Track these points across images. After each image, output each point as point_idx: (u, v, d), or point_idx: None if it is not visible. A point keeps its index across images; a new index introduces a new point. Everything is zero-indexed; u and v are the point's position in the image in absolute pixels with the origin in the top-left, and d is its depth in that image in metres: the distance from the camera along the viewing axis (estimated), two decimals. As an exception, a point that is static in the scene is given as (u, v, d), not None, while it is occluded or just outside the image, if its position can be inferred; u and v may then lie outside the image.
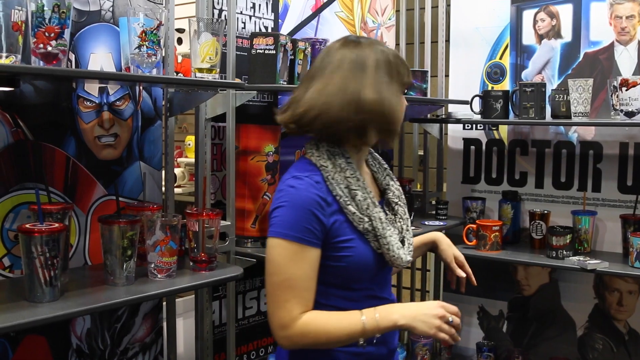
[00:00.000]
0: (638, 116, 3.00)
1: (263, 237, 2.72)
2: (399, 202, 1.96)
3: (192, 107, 2.56)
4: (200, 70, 2.30)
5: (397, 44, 3.78)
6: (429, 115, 3.66)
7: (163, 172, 2.62)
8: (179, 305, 2.88)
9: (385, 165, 2.02)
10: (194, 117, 2.63)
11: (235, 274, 2.37)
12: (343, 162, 1.81)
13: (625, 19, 3.28)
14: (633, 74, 3.21)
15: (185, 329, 3.11)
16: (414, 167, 3.92)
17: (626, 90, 2.99)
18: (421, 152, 3.89)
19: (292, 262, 1.72)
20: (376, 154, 2.02)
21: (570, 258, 3.13)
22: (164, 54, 2.31)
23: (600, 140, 3.39)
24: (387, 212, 1.94)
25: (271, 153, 2.71)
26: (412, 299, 3.96)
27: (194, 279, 2.27)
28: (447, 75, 3.79)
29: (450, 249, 2.18)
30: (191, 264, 2.36)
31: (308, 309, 1.74)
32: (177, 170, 4.02)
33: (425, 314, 1.75)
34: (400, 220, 1.93)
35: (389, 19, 3.68)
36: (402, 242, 1.90)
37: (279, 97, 3.03)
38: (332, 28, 3.31)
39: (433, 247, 2.22)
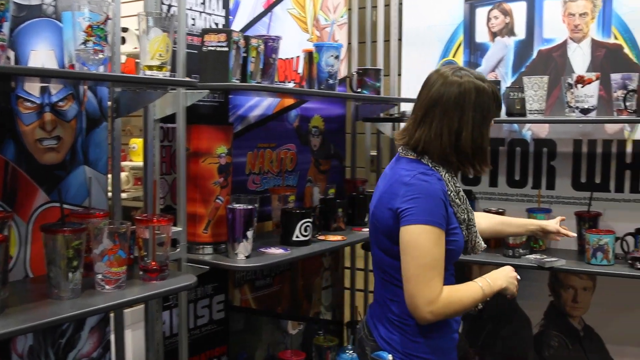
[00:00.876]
0: (593, 113, 2.94)
1: (216, 243, 2.58)
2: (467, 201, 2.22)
3: (141, 108, 2.39)
4: (150, 67, 2.13)
5: (349, 43, 3.65)
6: (381, 115, 3.54)
7: (110, 176, 2.44)
8: (127, 317, 2.70)
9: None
10: (142, 118, 2.46)
11: (188, 283, 2.21)
12: (451, 168, 2.14)
13: (578, 16, 3.21)
14: (586, 72, 3.14)
15: (134, 341, 2.93)
16: (367, 167, 3.80)
17: (582, 87, 2.92)
18: (374, 152, 3.77)
19: (436, 245, 2.00)
20: None
21: (527, 256, 3.05)
22: (111, 51, 2.13)
23: (554, 137, 3.32)
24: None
25: (223, 155, 2.55)
26: (366, 301, 3.85)
27: (144, 290, 2.10)
28: (399, 75, 3.67)
29: (549, 224, 2.62)
30: (141, 273, 2.19)
31: (443, 285, 2.01)
32: (121, 175, 3.82)
33: (510, 276, 2.19)
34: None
35: (342, 17, 3.55)
36: None
37: (230, 96, 2.88)
38: (284, 25, 3.17)
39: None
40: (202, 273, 2.51)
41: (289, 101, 3.22)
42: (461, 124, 2.06)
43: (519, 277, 2.22)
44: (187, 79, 2.38)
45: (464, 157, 2.10)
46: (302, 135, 3.33)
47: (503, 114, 3.17)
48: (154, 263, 2.18)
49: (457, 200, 2.10)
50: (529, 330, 3.44)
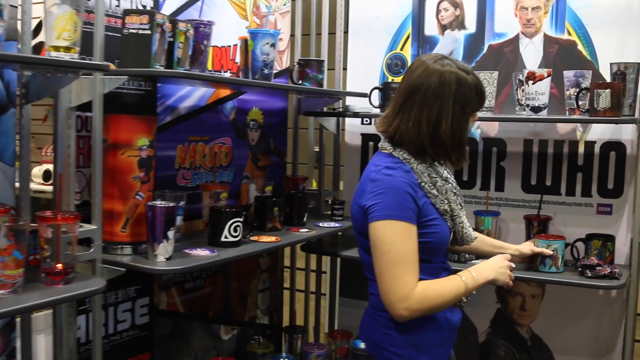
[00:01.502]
0: (544, 112, 2.80)
1: (135, 243, 2.37)
2: (458, 193, 2.20)
3: (51, 93, 2.17)
4: (56, 48, 1.92)
5: (292, 35, 3.45)
6: (325, 109, 3.36)
7: (17, 168, 2.22)
8: (38, 321, 2.49)
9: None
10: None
11: (96, 288, 2.00)
12: (426, 159, 2.10)
13: (531, 10, 3.07)
14: (538, 68, 2.99)
15: (47, 347, 2.70)
16: (309, 164, 3.61)
17: (533, 83, 2.77)
18: (317, 148, 3.58)
19: (402, 239, 1.97)
20: None
21: (473, 262, 2.88)
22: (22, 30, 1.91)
23: (504, 137, 3.17)
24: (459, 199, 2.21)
25: (145, 147, 2.34)
26: (307, 303, 3.66)
27: (45, 295, 1.89)
28: (345, 69, 3.49)
29: (523, 247, 2.73)
30: (43, 275, 1.98)
31: (417, 280, 1.98)
32: (51, 167, 3.59)
33: (501, 266, 2.16)
34: (460, 206, 2.19)
35: (284, 5, 3.35)
36: None
37: (158, 84, 2.66)
38: (221, 11, 2.96)
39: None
40: (120, 275, 2.31)
41: (225, 92, 3.01)
42: (440, 114, 2.03)
43: (513, 265, 2.21)
44: (99, 62, 2.16)
45: (442, 149, 2.07)
46: (239, 128, 3.13)
47: (451, 111, 3.01)
48: (59, 265, 1.97)
49: (434, 191, 2.07)
50: (475, 338, 3.29)
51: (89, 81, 2.22)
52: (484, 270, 2.13)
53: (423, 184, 2.05)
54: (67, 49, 1.91)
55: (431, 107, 2.03)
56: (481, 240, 2.55)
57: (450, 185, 2.14)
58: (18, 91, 2.17)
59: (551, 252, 2.71)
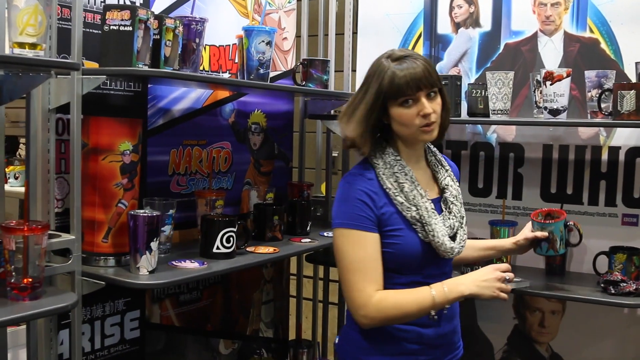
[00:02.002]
0: (563, 115, 2.59)
1: (118, 254, 2.21)
2: (455, 202, 2.09)
3: (23, 94, 2.02)
4: (21, 45, 1.76)
5: (298, 36, 3.28)
6: (332, 112, 3.17)
7: (-10, 173, 2.07)
8: (19, 335, 2.34)
9: (447, 167, 2.15)
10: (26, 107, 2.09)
11: (65, 304, 1.84)
12: (392, 160, 2.00)
13: (550, 6, 2.86)
14: (558, 67, 2.78)
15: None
16: (317, 169, 3.43)
17: (551, 84, 2.56)
18: (335, 153, 3.40)
19: (354, 247, 1.93)
20: (440, 156, 2.17)
21: (487, 275, 2.68)
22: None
23: (522, 141, 2.96)
24: (443, 209, 2.07)
25: (128, 152, 2.18)
26: (315, 312, 3.48)
27: (7, 312, 1.73)
28: (354, 70, 3.31)
29: (519, 237, 2.44)
30: (8, 290, 1.82)
31: (380, 287, 1.93)
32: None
33: (485, 279, 1.96)
34: (454, 217, 2.06)
35: (289, 2, 3.17)
36: (454, 237, 2.03)
37: (149, 85, 2.50)
38: (217, 8, 2.79)
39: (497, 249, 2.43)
40: (104, 287, 2.15)
41: (223, 94, 2.84)
42: (361, 101, 1.99)
43: (508, 275, 1.99)
44: (68, 60, 2.00)
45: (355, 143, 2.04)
46: (240, 132, 2.95)
47: (464, 114, 2.82)
48: (26, 280, 1.81)
49: (399, 198, 1.97)
50: (491, 356, 3.08)
51: (67, 81, 2.08)
52: (461, 284, 1.96)
53: (388, 190, 1.97)
54: (33, 46, 1.76)
55: (357, 94, 2.01)
56: (469, 246, 2.32)
57: (417, 190, 1.98)
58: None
59: (546, 235, 2.39)
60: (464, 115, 2.83)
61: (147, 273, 2.14)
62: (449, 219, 2.04)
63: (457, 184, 2.16)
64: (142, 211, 2.16)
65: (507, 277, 1.97)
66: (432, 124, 1.96)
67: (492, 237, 2.83)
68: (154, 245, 2.13)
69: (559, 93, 2.56)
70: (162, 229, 2.32)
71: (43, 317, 1.81)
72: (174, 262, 2.29)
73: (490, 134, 3.02)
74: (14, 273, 1.81)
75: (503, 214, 2.91)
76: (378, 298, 1.91)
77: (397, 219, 1.97)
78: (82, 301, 2.17)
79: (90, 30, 2.27)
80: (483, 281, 1.95)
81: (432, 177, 2.12)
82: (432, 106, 1.94)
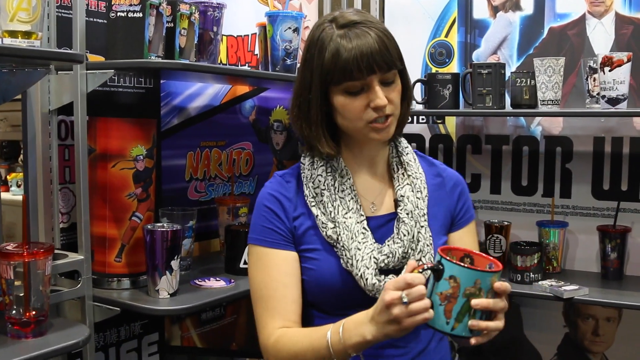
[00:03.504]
0: (623, 104, 2.26)
1: (134, 275, 1.89)
2: (408, 221, 1.47)
3: (19, 94, 1.70)
4: (12, 34, 1.44)
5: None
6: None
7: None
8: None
9: (414, 173, 1.54)
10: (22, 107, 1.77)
11: (74, 341, 1.52)
12: (318, 159, 1.49)
13: (599, -16, 2.54)
14: (611, 52, 2.46)
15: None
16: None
17: (610, 71, 2.23)
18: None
19: (257, 269, 1.47)
20: (410, 156, 1.56)
21: (541, 283, 2.36)
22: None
23: (570, 134, 2.63)
24: (395, 230, 1.48)
25: (141, 157, 1.86)
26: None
27: (5, 357, 1.42)
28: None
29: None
30: (9, 326, 1.50)
31: (287, 322, 1.43)
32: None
33: (379, 314, 1.27)
34: (399, 242, 1.45)
35: (310, -12, 2.85)
36: (389, 271, 1.44)
37: (161, 81, 2.18)
38: (236, -5, 2.47)
39: None
40: (114, 315, 1.84)
41: (243, 89, 2.52)
42: (296, 86, 1.49)
43: (404, 295, 1.22)
44: (70, 51, 1.68)
45: (298, 133, 1.52)
46: (261, 131, 2.62)
47: (508, 106, 2.50)
48: (28, 314, 1.49)
49: (315, 209, 1.45)
50: (539, 367, 2.77)
51: (69, 78, 1.76)
52: (364, 324, 1.30)
53: (305, 197, 1.47)
54: (27, 35, 1.43)
55: (298, 76, 1.49)
56: None
57: (341, 202, 1.45)
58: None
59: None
60: (507, 106, 2.50)
61: (168, 296, 1.82)
62: (389, 244, 1.45)
63: (425, 193, 1.52)
64: (159, 225, 1.85)
65: (404, 300, 1.22)
66: (387, 120, 1.41)
67: (541, 239, 2.52)
68: (174, 264, 1.81)
69: (619, 80, 2.23)
70: (182, 242, 2.00)
71: (50, 358, 1.49)
72: (197, 282, 1.97)
73: (535, 126, 2.69)
74: (14, 305, 1.49)
75: (552, 214, 2.59)
76: (276, 338, 1.41)
77: (313, 236, 1.46)
78: (95, 326, 1.86)
79: (95, 20, 1.96)
80: (379, 316, 1.27)
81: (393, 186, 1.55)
82: (388, 95, 1.40)
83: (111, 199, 1.85)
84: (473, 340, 1.25)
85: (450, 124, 2.84)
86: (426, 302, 1.22)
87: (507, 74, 2.52)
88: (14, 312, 1.49)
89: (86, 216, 1.77)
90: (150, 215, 1.92)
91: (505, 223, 2.60)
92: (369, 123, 1.40)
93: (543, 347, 2.76)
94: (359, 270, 1.40)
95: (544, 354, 2.75)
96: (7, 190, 4.00)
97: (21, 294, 1.49)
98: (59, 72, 1.81)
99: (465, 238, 1.58)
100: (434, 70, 2.81)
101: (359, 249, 1.41)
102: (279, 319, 1.42)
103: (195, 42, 1.97)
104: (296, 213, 1.47)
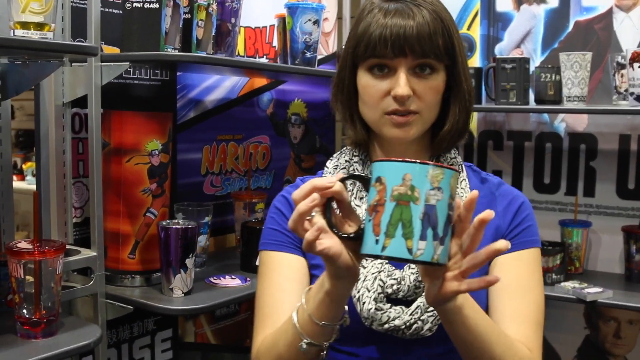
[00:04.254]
0: (652, 100, 2.18)
1: (147, 272, 1.84)
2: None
3: (33, 85, 1.65)
4: (24, 25, 1.38)
5: (340, 17, 2.87)
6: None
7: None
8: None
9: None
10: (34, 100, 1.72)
11: (86, 342, 1.47)
12: (344, 162, 1.32)
13: (628, -23, 2.45)
14: (639, 47, 2.37)
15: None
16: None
17: (639, 67, 2.15)
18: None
19: (261, 275, 1.31)
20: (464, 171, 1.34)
21: (563, 285, 2.29)
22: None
23: (595, 131, 2.55)
24: None
25: (156, 152, 1.80)
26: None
27: (14, 358, 1.36)
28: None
29: None
30: (18, 325, 1.46)
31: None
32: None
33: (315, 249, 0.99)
34: (413, 267, 1.22)
35: (330, -20, 2.77)
36: (398, 300, 1.20)
37: (177, 73, 2.12)
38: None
39: None
40: (127, 313, 1.79)
41: (260, 82, 2.45)
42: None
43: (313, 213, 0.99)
44: (84, 44, 1.62)
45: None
46: (279, 124, 2.56)
47: (532, 101, 2.42)
48: (38, 313, 1.44)
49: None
50: (558, 369, 2.70)
51: (83, 70, 1.71)
52: (319, 282, 1.08)
53: None
54: (39, 26, 1.37)
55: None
56: None
57: (363, 207, 1.22)
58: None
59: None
60: (530, 102, 2.43)
61: (182, 295, 1.77)
62: (403, 269, 1.22)
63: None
64: (174, 221, 1.79)
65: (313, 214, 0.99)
66: (407, 115, 1.20)
67: (563, 239, 2.44)
68: (189, 262, 1.75)
69: (649, 76, 2.15)
70: (198, 239, 1.95)
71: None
72: (212, 279, 1.92)
73: (558, 123, 2.61)
74: (24, 304, 1.44)
75: (575, 213, 2.51)
76: (258, 346, 1.23)
77: None
78: (107, 323, 1.81)
79: (110, 10, 1.90)
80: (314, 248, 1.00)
81: None
82: (417, 87, 1.19)
83: (125, 194, 1.79)
84: (448, 275, 0.97)
85: (472, 119, 2.76)
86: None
87: (531, 68, 2.45)
88: (24, 311, 1.44)
89: (99, 211, 1.71)
90: (165, 211, 1.86)
91: (527, 221, 2.52)
92: (385, 114, 1.20)
93: (563, 349, 2.68)
94: (358, 292, 1.20)
95: (563, 355, 2.68)
96: (23, 179, 3.98)
97: (31, 294, 1.44)
98: (73, 64, 1.75)
99: (510, 266, 1.24)
100: (455, 64, 2.74)
101: (365, 267, 1.21)
102: (270, 328, 1.22)
103: (213, 33, 1.91)
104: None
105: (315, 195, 0.97)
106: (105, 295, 1.76)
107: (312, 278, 1.28)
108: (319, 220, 0.97)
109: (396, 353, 1.23)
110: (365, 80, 1.21)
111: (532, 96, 2.44)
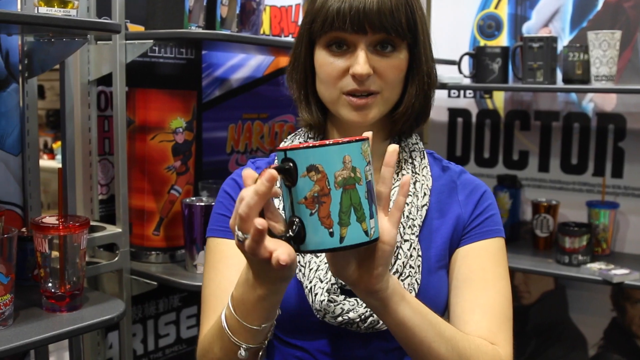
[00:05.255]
0: (683, 80, 2.13)
1: (171, 248, 1.85)
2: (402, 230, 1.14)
3: (57, 63, 1.66)
4: (48, 2, 1.38)
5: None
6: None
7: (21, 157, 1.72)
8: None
9: (422, 173, 1.21)
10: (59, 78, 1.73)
11: (109, 317, 1.48)
12: (297, 143, 1.21)
13: (660, -47, 2.39)
14: (670, 26, 2.33)
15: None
16: (387, 144, 3.02)
17: (669, 45, 2.11)
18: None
19: (207, 264, 1.20)
20: (418, 157, 1.23)
21: (589, 265, 2.26)
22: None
23: (624, 111, 2.51)
24: None
25: (181, 130, 1.80)
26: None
27: (39, 330, 1.38)
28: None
29: None
30: (43, 299, 1.47)
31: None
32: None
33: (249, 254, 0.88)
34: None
35: (356, -43, 2.75)
36: (344, 288, 1.10)
37: (203, 52, 2.12)
38: (279, -36, 2.39)
39: None
40: (152, 289, 1.81)
41: (286, 60, 2.43)
42: None
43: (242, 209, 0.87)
44: (108, 21, 1.62)
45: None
46: (304, 104, 2.55)
47: (559, 81, 2.38)
48: (63, 288, 1.46)
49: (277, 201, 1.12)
50: (584, 351, 2.66)
51: (108, 48, 1.71)
52: (246, 287, 0.96)
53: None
54: (63, 3, 1.38)
55: None
56: None
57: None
58: (20, 62, 1.67)
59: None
60: (558, 81, 2.39)
61: (205, 271, 1.77)
62: None
63: (424, 201, 1.18)
64: (198, 199, 1.80)
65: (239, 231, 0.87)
66: (366, 97, 1.11)
67: (590, 220, 2.41)
68: (212, 239, 1.76)
69: (679, 55, 2.11)
70: (221, 217, 1.96)
71: (84, 334, 1.46)
72: (235, 256, 1.92)
73: (587, 103, 2.57)
74: (49, 279, 1.45)
75: (603, 194, 2.48)
76: (201, 340, 1.14)
77: None
78: (132, 299, 1.83)
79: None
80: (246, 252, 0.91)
81: None
82: (378, 66, 1.11)
83: (150, 172, 1.80)
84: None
85: (498, 99, 2.73)
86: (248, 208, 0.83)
87: (559, 47, 2.41)
88: (49, 285, 1.46)
89: (124, 189, 1.73)
90: (190, 189, 1.87)
91: (554, 202, 2.49)
92: (343, 94, 1.11)
93: (589, 331, 2.66)
94: (310, 283, 1.11)
95: (589, 337, 2.65)
96: (53, 158, 4.01)
97: (56, 269, 1.45)
98: (98, 42, 1.76)
99: (473, 257, 1.18)
100: (482, 43, 2.70)
101: (318, 256, 1.12)
102: (209, 321, 1.13)
103: (237, 12, 1.90)
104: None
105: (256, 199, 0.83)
106: (130, 271, 1.78)
107: None
108: (260, 222, 0.83)
109: (350, 347, 1.15)
110: (322, 58, 1.12)
111: (559, 76, 2.40)
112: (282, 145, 1.23)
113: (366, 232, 0.87)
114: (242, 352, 0.99)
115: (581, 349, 2.67)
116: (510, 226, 2.59)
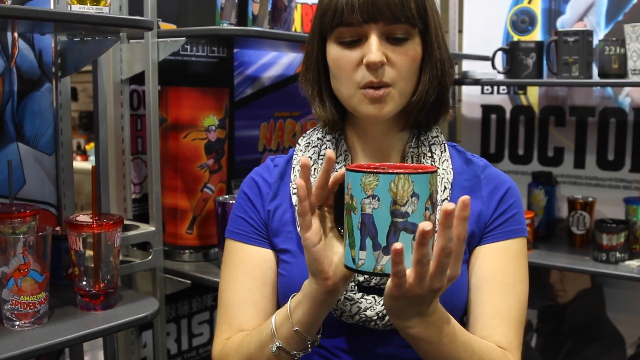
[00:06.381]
0: None
1: (205, 247, 1.84)
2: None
3: (90, 62, 1.65)
4: (82, 0, 1.37)
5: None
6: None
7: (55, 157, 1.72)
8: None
9: (442, 166, 1.18)
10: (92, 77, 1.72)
11: (144, 315, 1.47)
12: (315, 139, 1.21)
13: (698, -56, 2.33)
14: None
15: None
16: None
17: None
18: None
19: (225, 267, 1.21)
20: (439, 150, 1.19)
21: (627, 263, 2.21)
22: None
23: (662, 106, 2.45)
24: None
25: (213, 128, 1.79)
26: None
27: (74, 328, 1.37)
28: (460, 31, 2.82)
29: None
30: (78, 298, 1.46)
31: (233, 333, 1.17)
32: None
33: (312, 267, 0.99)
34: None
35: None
36: (370, 289, 1.11)
37: (234, 50, 2.10)
38: (310, -39, 2.37)
39: None
40: (186, 287, 1.80)
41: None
42: None
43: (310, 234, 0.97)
44: (139, 18, 1.61)
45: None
46: (336, 102, 2.53)
47: (595, 75, 2.33)
48: (97, 286, 1.45)
49: (294, 199, 1.17)
50: (622, 350, 2.60)
51: (140, 47, 1.70)
52: (304, 288, 1.03)
53: (291, 183, 1.19)
54: (95, 1, 1.37)
55: None
56: None
57: None
58: (53, 62, 1.67)
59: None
60: (594, 76, 2.33)
61: (239, 270, 1.75)
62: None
63: (444, 195, 1.16)
64: (231, 197, 1.78)
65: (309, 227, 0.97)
66: (381, 88, 1.08)
67: (628, 217, 2.36)
68: (245, 237, 1.74)
69: None
70: (254, 215, 1.94)
71: (118, 332, 1.45)
72: (268, 255, 1.90)
73: (623, 97, 2.51)
74: (84, 277, 1.45)
75: (640, 191, 2.42)
76: (222, 346, 1.17)
77: (290, 234, 1.17)
78: (166, 299, 1.82)
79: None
80: (310, 264, 1.00)
81: None
82: (391, 56, 1.08)
83: (183, 170, 1.79)
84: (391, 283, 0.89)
85: (533, 95, 2.68)
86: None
87: (595, 41, 2.36)
88: (83, 283, 1.45)
89: (157, 187, 1.71)
90: (222, 187, 1.86)
91: (590, 199, 2.44)
92: (360, 88, 1.09)
93: (627, 330, 2.59)
94: (349, 302, 1.10)
95: (627, 336, 2.59)
96: (86, 159, 4.04)
97: (91, 267, 1.44)
98: (130, 40, 1.75)
99: (494, 258, 1.15)
100: (515, 38, 2.65)
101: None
102: (235, 329, 1.16)
103: (269, 9, 1.88)
104: (274, 201, 1.20)
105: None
106: (164, 269, 1.76)
107: (281, 263, 1.18)
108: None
109: (368, 344, 1.14)
110: (334, 52, 1.10)
111: (595, 70, 2.35)
112: (301, 138, 1.25)
113: (353, 260, 0.90)
114: (274, 348, 1.05)
115: (619, 348, 2.60)
116: (545, 223, 2.54)
